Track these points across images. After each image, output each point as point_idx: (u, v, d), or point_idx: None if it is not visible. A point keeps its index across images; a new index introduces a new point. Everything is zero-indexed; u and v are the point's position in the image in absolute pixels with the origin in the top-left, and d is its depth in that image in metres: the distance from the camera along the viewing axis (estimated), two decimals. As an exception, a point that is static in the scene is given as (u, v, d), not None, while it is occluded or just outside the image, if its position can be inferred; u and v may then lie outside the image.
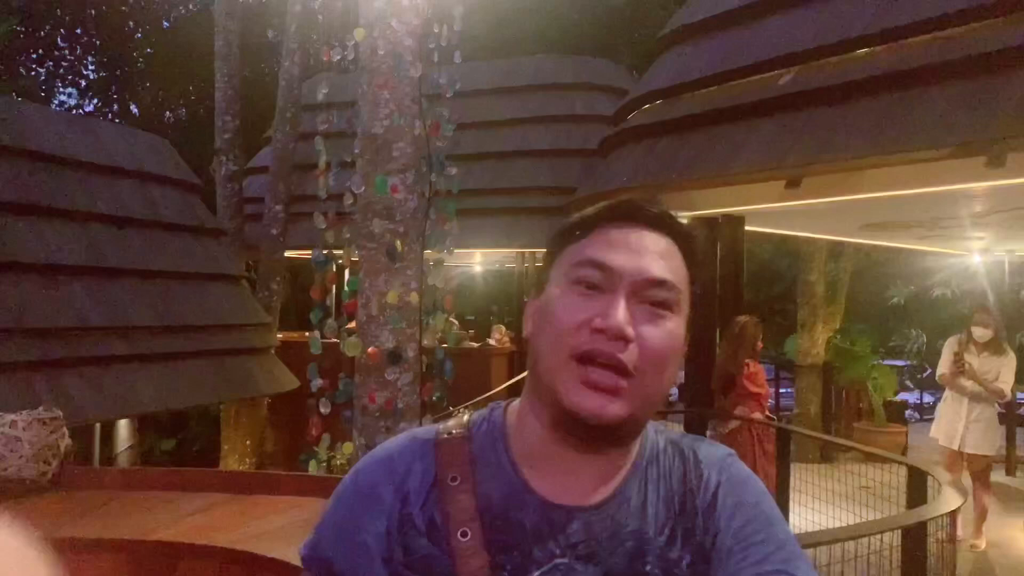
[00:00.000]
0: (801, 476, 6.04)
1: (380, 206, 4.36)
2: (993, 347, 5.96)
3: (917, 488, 3.57)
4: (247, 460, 9.03)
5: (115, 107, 19.65)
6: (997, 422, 6.18)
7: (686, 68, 5.55)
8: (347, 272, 7.46)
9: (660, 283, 0.85)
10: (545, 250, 0.96)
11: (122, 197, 6.90)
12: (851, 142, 4.21)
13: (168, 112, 19.86)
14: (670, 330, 0.85)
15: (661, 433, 0.97)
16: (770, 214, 6.14)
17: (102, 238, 6.45)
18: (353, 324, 4.71)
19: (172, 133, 15.44)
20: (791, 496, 5.77)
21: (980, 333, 5.97)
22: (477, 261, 14.13)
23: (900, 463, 4.54)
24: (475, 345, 10.26)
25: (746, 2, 5.30)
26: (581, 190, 6.68)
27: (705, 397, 6.13)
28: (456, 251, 4.93)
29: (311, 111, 9.74)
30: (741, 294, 6.44)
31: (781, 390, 14.17)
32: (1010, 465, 8.63)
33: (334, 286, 7.63)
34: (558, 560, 0.85)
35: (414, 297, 4.40)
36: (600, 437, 0.86)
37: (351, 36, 4.64)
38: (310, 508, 2.20)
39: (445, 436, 0.93)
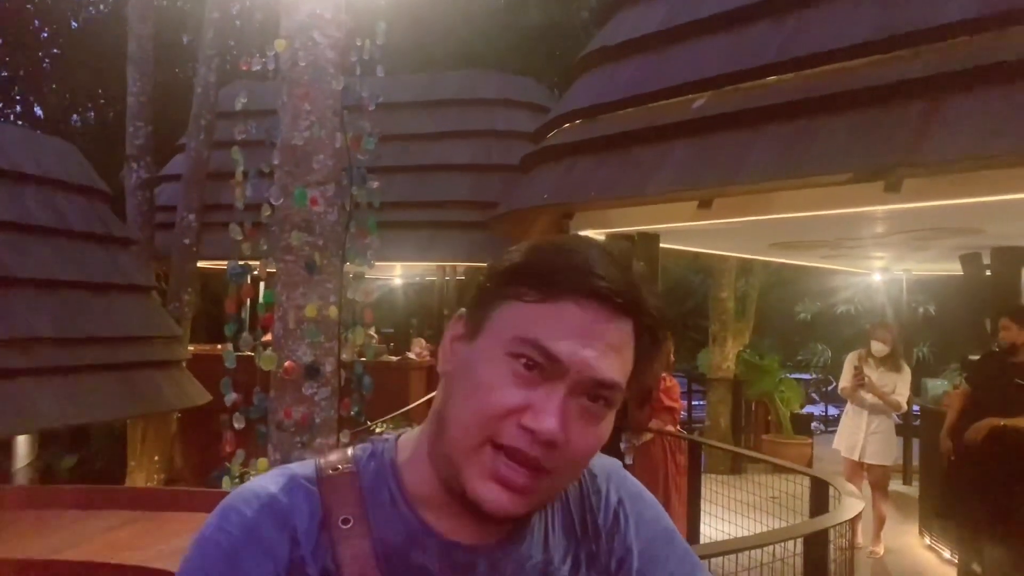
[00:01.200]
0: (711, 487, 6.21)
1: (299, 218, 4.31)
2: (890, 362, 6.25)
3: (819, 497, 3.74)
4: (155, 477, 8.74)
5: (18, 108, 18.84)
6: (894, 433, 6.49)
7: (605, 89, 5.68)
8: (262, 285, 7.35)
9: (609, 385, 0.76)
10: (485, 278, 0.83)
11: (25, 204, 6.62)
12: (759, 166, 4.39)
13: (75, 115, 19.14)
14: (602, 431, 0.78)
15: None
16: (684, 232, 6.33)
17: (2, 247, 6.18)
18: (269, 338, 4.63)
19: (79, 138, 14.89)
20: (702, 507, 5.92)
21: (878, 348, 6.25)
22: (397, 274, 14.06)
23: (804, 474, 4.73)
24: (394, 359, 10.20)
25: (663, 27, 5.47)
26: (502, 206, 6.75)
27: (623, 410, 6.24)
28: (376, 264, 4.92)
29: (227, 119, 9.55)
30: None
31: (694, 402, 14.56)
32: (907, 474, 9.07)
33: (249, 300, 7.50)
34: None
35: (333, 311, 4.36)
36: (497, 523, 0.80)
37: (271, 45, 4.59)
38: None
39: (330, 472, 0.82)
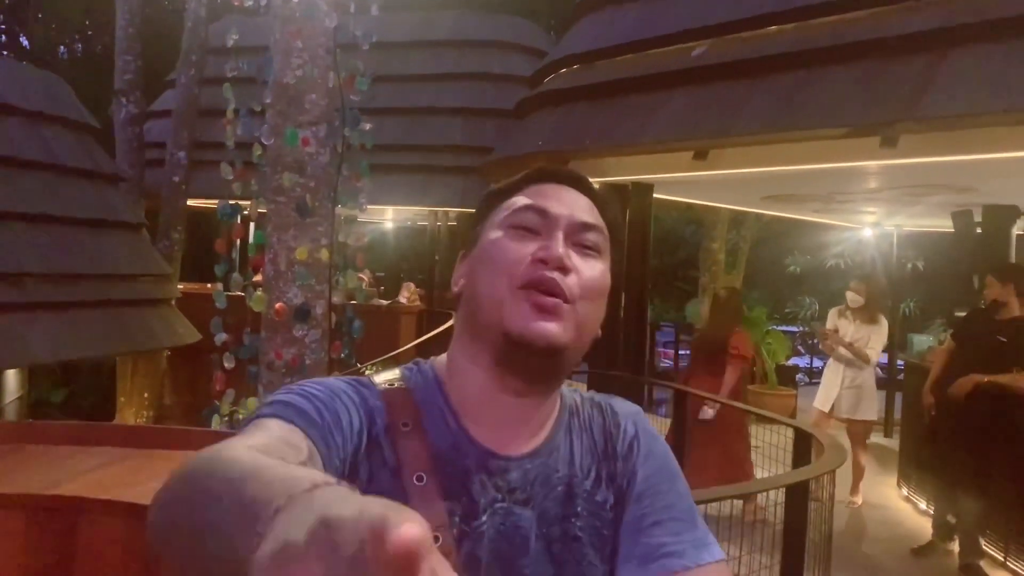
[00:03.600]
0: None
1: (290, 159, 4.26)
2: (866, 314, 6.25)
3: (802, 449, 3.80)
4: (144, 413, 8.80)
5: (2, 38, 18.42)
6: (874, 388, 6.53)
7: (603, 35, 5.59)
8: (252, 225, 7.28)
9: (591, 227, 0.94)
10: (476, 209, 1.01)
11: (11, 137, 6.51)
12: (756, 117, 4.36)
13: (63, 47, 18.73)
14: (601, 269, 0.94)
15: (575, 392, 1.05)
16: (678, 183, 6.30)
17: (-11, 180, 6.10)
18: (259, 278, 4.62)
19: (66, 70, 14.59)
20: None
21: (853, 299, 6.23)
22: (388, 218, 13.98)
23: (787, 424, 4.79)
24: (384, 303, 10.21)
25: (664, -28, 5.37)
26: (496, 152, 6.69)
27: (612, 358, 6.31)
28: (368, 207, 4.88)
29: (217, 55, 9.36)
30: (648, 260, 6.61)
31: (682, 352, 14.69)
32: (888, 427, 9.21)
33: (239, 240, 7.44)
34: (499, 504, 0.90)
35: (324, 254, 4.35)
36: (542, 368, 0.91)
37: (263, -20, 4.49)
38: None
39: (387, 387, 0.93)
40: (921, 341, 7.52)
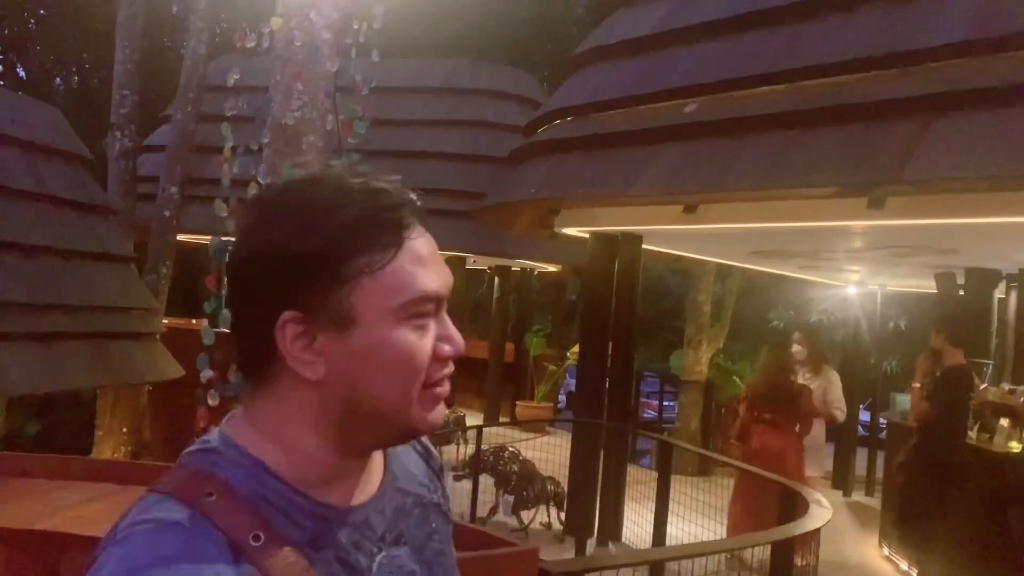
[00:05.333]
0: (679, 488, 6.26)
1: (286, 198, 4.29)
2: (810, 366, 6.40)
3: (787, 504, 3.80)
4: (123, 448, 8.66)
5: (0, 69, 18.52)
6: (822, 444, 6.68)
7: (598, 88, 5.70)
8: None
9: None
10: (312, 260, 0.79)
11: (4, 166, 6.52)
12: (745, 174, 4.44)
13: (59, 79, 18.83)
14: None
15: None
16: (666, 235, 6.37)
17: (-20, 208, 6.08)
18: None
19: (62, 102, 14.67)
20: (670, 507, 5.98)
21: (797, 350, 6.38)
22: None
23: (771, 480, 4.79)
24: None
25: (659, 30, 5.49)
26: (489, 197, 6.75)
27: (598, 408, 6.31)
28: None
29: (214, 92, 9.44)
30: (635, 310, 6.64)
31: (665, 403, 14.68)
32: (870, 486, 9.21)
33: (225, 278, 7.42)
34: (379, 556, 0.87)
35: (314, 293, 4.35)
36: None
37: (265, 22, 4.56)
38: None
39: (207, 500, 0.77)
40: (903, 400, 7.56)
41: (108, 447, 8.64)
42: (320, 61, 4.39)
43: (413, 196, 0.86)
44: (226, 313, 4.45)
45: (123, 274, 7.60)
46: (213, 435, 0.86)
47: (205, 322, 4.56)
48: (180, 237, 9.55)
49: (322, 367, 0.80)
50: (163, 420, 9.64)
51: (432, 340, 0.83)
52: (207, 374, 4.40)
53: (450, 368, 0.85)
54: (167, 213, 8.95)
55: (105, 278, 7.22)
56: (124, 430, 8.80)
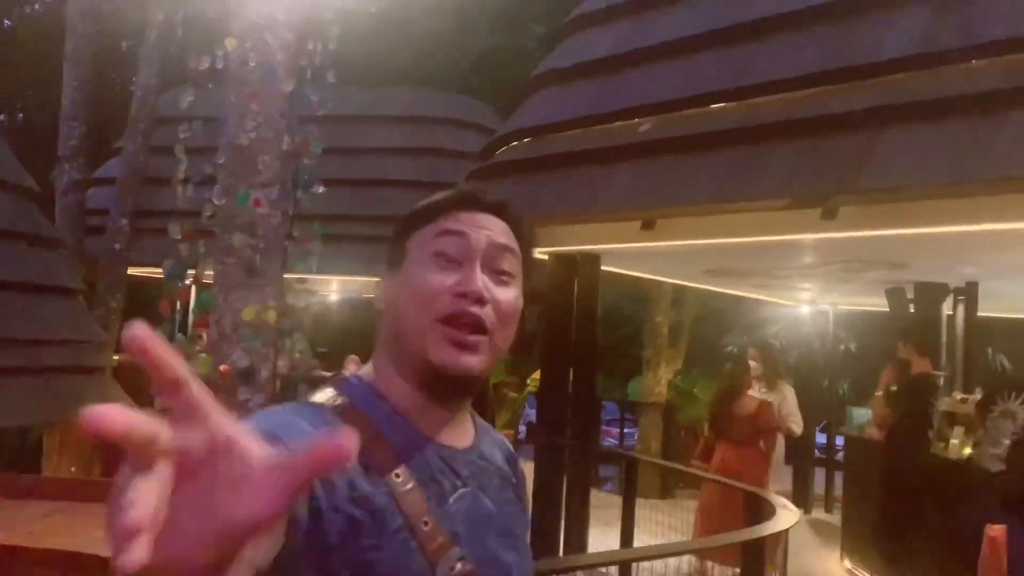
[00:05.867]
0: (641, 511, 6.25)
1: (241, 220, 4.23)
2: (766, 381, 6.53)
3: (753, 510, 3.81)
4: (70, 489, 8.38)
5: (-60, 104, 18.10)
6: (782, 460, 6.83)
7: (555, 110, 5.76)
8: (193, 289, 7.13)
9: (506, 248, 1.01)
10: (397, 227, 1.08)
11: (-53, 198, 6.33)
12: (702, 188, 4.51)
13: (2, 116, 18.47)
14: (515, 294, 1.02)
15: None
16: (624, 255, 6.42)
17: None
18: (202, 342, 4.51)
19: (5, 138, 14.34)
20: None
21: (753, 367, 6.52)
22: (333, 289, 13.87)
23: (739, 488, 4.83)
24: (327, 375, 10.03)
25: (613, 52, 5.58)
26: (446, 221, 6.73)
27: (561, 429, 6.28)
28: (313, 277, 4.85)
29: (165, 125, 9.34)
30: (595, 330, 6.66)
31: (625, 431, 14.72)
32: (828, 503, 9.29)
33: (181, 303, 7.27)
34: (462, 490, 1.00)
35: (271, 315, 4.28)
36: (460, 391, 1.01)
37: (219, 46, 4.53)
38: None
39: (336, 404, 0.98)
40: (860, 415, 7.68)
41: (56, 488, 8.36)
42: (275, 81, 4.36)
43: (472, 191, 1.07)
44: (180, 337, 4.36)
45: (72, 307, 7.41)
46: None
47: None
48: (129, 271, 9.35)
49: (386, 300, 1.03)
50: (114, 458, 9.37)
51: (453, 281, 0.97)
52: (161, 403, 4.30)
53: (468, 311, 0.96)
54: (117, 246, 8.78)
55: (54, 311, 7.02)
56: (72, 469, 8.52)
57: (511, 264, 1.02)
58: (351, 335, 15.94)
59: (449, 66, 15.75)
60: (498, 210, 1.04)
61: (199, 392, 0.50)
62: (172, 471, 0.47)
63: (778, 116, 4.41)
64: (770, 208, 4.29)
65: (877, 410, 6.36)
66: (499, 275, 1.00)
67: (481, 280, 0.97)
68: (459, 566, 0.94)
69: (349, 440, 0.47)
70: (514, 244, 1.04)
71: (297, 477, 0.48)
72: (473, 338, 0.96)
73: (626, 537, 5.29)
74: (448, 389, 1.00)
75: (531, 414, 15.13)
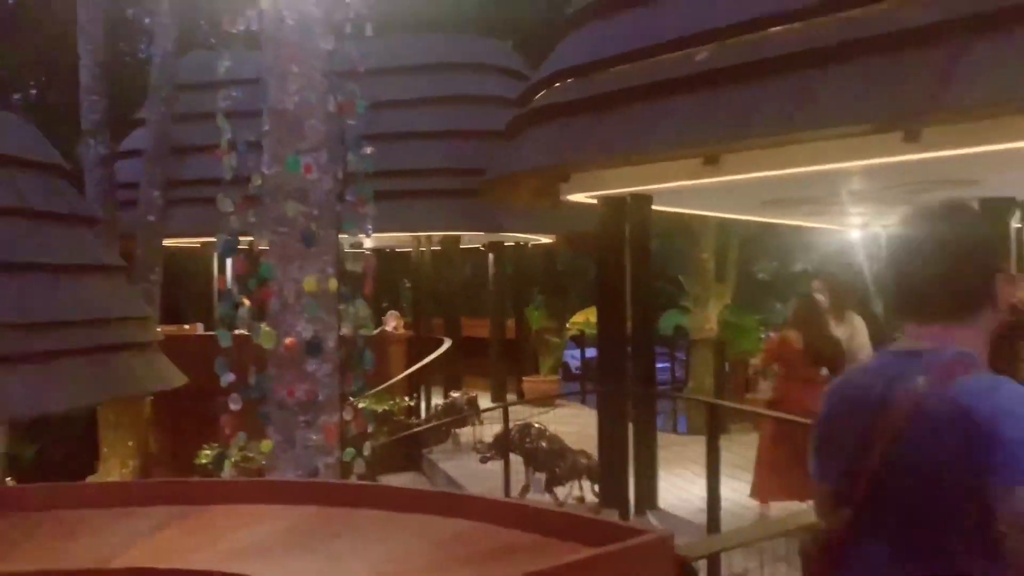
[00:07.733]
0: (697, 448, 6.13)
1: (292, 187, 4.08)
2: (835, 312, 6.22)
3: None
4: (130, 462, 8.46)
5: (-46, 86, 17.94)
6: None
7: (598, 46, 5.50)
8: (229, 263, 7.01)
9: None
10: None
11: (-20, 183, 6.23)
12: (770, 119, 4.27)
13: (17, 95, 18.28)
14: None
15: None
16: (676, 193, 6.19)
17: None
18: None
19: (23, 117, 14.20)
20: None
21: (820, 300, 6.22)
22: (367, 245, 13.79)
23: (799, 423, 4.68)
24: (372, 332, 9.99)
25: (657, -21, 5.29)
26: (492, 171, 6.53)
27: (620, 373, 6.17)
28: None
29: (186, 91, 9.17)
30: (649, 272, 6.49)
31: (659, 364, 14.65)
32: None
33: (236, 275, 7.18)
34: None
35: (332, 283, 4.17)
36: None
37: (252, 5, 4.32)
38: (273, 518, 1.97)
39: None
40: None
41: (114, 463, 8.44)
42: (313, 40, 4.16)
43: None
44: (243, 311, 4.25)
45: (116, 284, 7.35)
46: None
47: (199, 325, 4.37)
48: (164, 242, 9.28)
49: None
50: (166, 430, 9.43)
51: None
52: (228, 378, 4.21)
53: None
54: (151, 218, 8.68)
55: (98, 290, 6.96)
56: (130, 443, 8.59)
57: None
58: (387, 288, 15.89)
59: (460, 9, 15.28)
60: None
61: None
62: None
63: (842, 36, 4.13)
64: (848, 134, 4.05)
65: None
66: None
67: None
68: None
69: None
70: None
71: None
72: None
73: (712, 485, 5.18)
74: None
75: (568, 355, 15.09)
